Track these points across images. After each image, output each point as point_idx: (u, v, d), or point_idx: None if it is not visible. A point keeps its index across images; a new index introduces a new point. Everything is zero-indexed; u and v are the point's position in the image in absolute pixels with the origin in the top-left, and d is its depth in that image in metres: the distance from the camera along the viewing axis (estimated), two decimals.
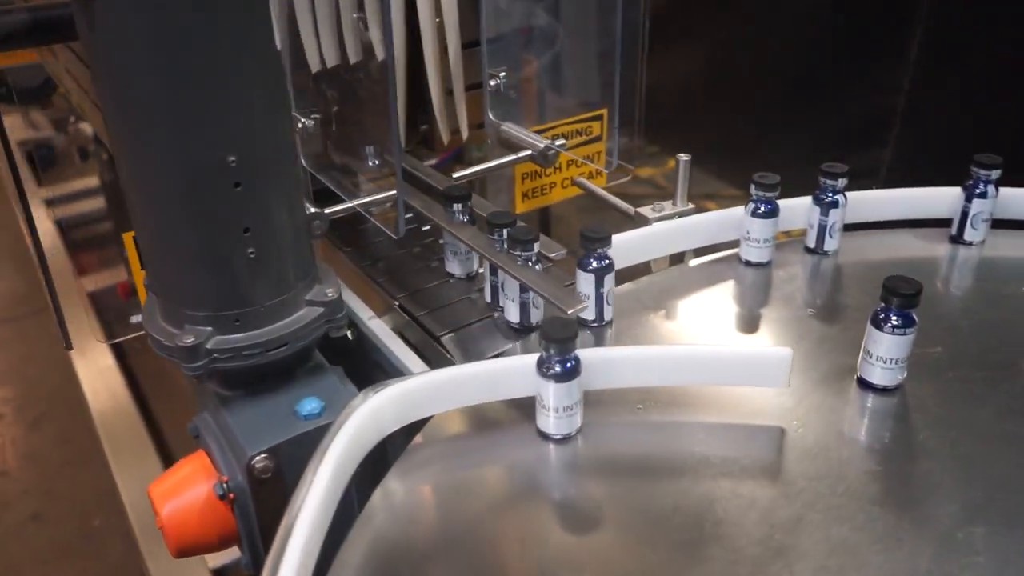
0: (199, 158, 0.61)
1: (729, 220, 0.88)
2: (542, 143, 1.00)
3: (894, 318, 0.65)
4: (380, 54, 1.03)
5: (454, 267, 0.89)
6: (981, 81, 2.02)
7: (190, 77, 0.59)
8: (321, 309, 0.72)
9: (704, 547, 0.54)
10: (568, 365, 0.61)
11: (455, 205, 0.84)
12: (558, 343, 0.59)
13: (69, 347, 0.84)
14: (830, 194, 0.87)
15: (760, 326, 0.78)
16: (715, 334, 0.78)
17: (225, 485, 0.69)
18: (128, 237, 0.87)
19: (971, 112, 2.08)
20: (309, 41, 0.96)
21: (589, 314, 0.76)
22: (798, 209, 0.89)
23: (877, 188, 2.73)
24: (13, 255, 2.94)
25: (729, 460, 0.61)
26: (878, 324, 0.66)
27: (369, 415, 0.62)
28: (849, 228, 0.90)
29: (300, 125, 0.88)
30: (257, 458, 0.67)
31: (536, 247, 0.75)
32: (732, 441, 0.64)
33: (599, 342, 0.76)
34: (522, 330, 0.79)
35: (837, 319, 0.77)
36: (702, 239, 0.90)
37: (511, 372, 0.65)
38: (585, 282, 0.75)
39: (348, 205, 0.83)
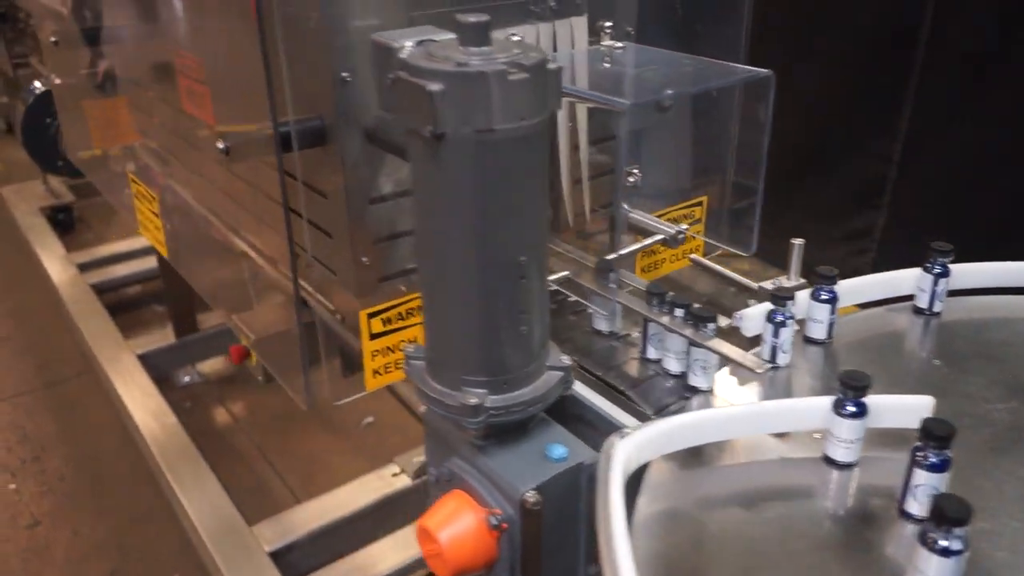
0: (501, 259, 0.79)
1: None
2: (672, 229, 1.20)
3: None
4: None
5: (601, 324, 1.08)
6: (965, 153, 2.30)
7: (502, 205, 0.77)
8: (561, 373, 0.89)
9: None
10: (860, 407, 0.80)
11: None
12: (854, 390, 0.78)
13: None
14: None
15: None
16: None
17: (497, 517, 0.85)
18: (363, 314, 1.03)
19: (956, 181, 2.35)
20: None
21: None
22: None
23: (873, 248, 2.99)
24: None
25: None
26: None
27: (633, 449, 0.81)
28: None
29: None
30: (529, 494, 0.84)
31: (712, 326, 0.94)
32: None
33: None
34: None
35: None
36: None
37: (747, 415, 0.84)
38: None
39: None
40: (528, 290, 0.83)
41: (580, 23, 1.20)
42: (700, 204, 1.36)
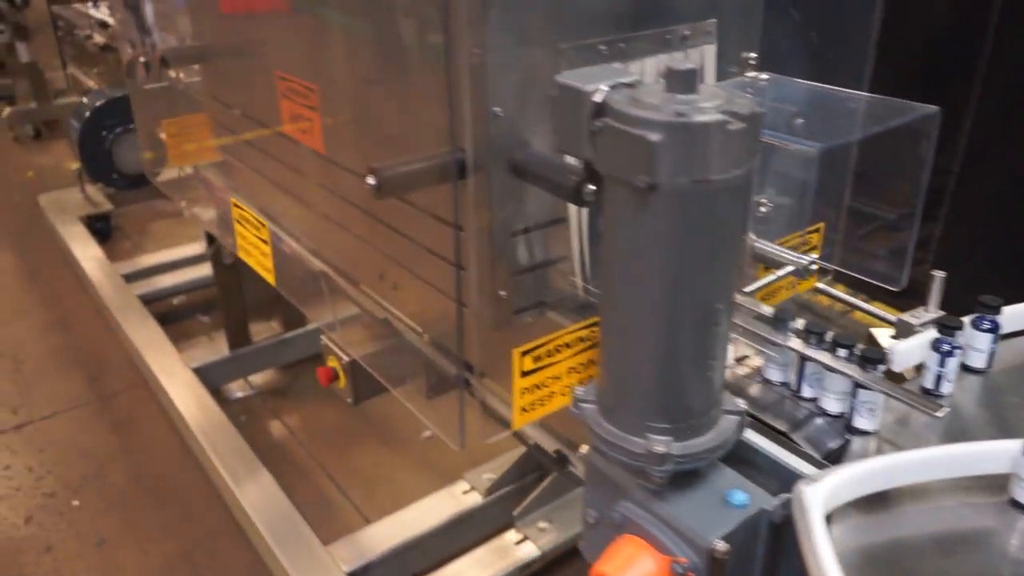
0: (698, 306, 0.78)
1: None
2: (804, 259, 1.18)
3: None
4: None
5: (774, 374, 1.06)
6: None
7: (707, 253, 0.76)
8: (738, 417, 0.88)
9: None
10: None
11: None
12: None
13: None
14: None
15: None
16: None
17: (683, 566, 0.84)
18: (516, 352, 1.01)
19: (1016, 193, 2.34)
20: None
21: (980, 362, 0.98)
22: None
23: (929, 260, 3.01)
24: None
25: None
26: None
27: (827, 495, 0.80)
28: None
29: None
30: (718, 543, 0.83)
31: (882, 367, 0.93)
32: None
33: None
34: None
35: None
36: None
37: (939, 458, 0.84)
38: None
39: None
40: (718, 336, 0.81)
41: (710, 51, 1.18)
42: (817, 231, 1.35)
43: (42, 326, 3.19)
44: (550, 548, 2.00)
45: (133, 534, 2.25)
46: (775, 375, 1.03)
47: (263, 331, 2.92)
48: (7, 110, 4.89)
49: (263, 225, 1.37)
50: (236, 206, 1.44)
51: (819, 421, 0.98)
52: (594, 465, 0.95)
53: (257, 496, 2.15)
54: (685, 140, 0.70)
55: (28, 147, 4.89)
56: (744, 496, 0.87)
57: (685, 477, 0.89)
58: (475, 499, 2.14)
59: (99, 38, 2.97)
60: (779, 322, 0.97)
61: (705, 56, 1.18)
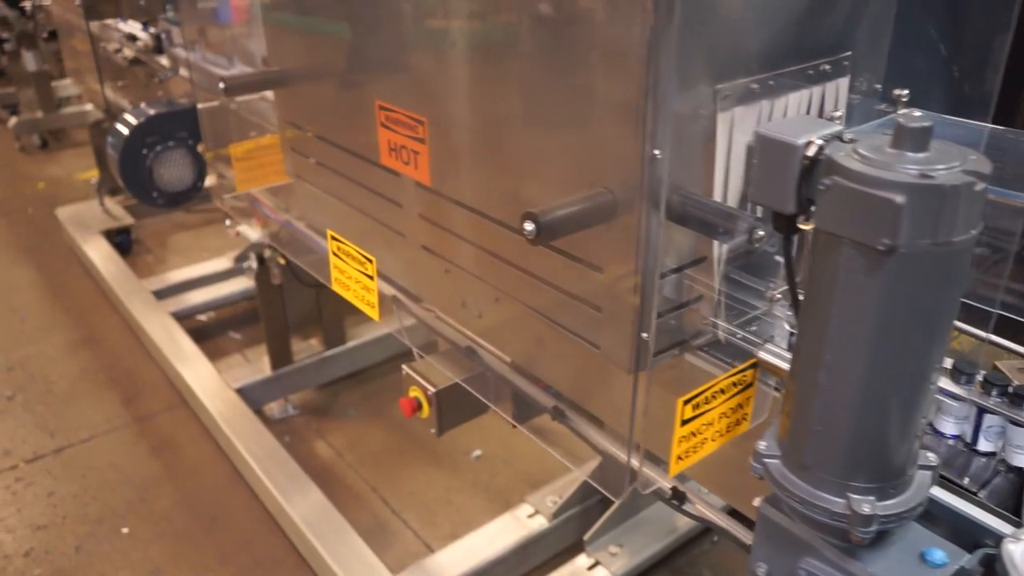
0: (920, 368, 0.76)
1: None
2: None
3: None
4: None
5: (947, 427, 1.04)
6: None
7: (936, 314, 0.74)
8: (930, 473, 0.86)
9: None
10: None
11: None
12: None
13: None
14: None
15: None
16: None
17: None
18: (680, 402, 0.99)
19: None
20: None
21: None
22: None
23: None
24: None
25: None
26: None
27: None
28: None
29: None
30: None
31: None
32: None
33: None
34: None
35: None
36: None
37: None
38: None
39: None
40: (929, 393, 0.79)
41: (844, 84, 1.17)
42: None
43: (70, 344, 3.13)
44: (623, 572, 1.98)
45: (188, 562, 2.21)
46: (949, 428, 1.01)
47: (303, 350, 2.88)
48: (13, 120, 4.80)
49: (369, 260, 1.34)
50: (334, 239, 1.41)
51: (997, 475, 0.96)
52: (769, 519, 0.92)
53: (317, 522, 2.11)
54: (934, 202, 0.68)
55: (35, 157, 4.80)
56: (943, 554, 0.84)
57: (877, 534, 0.87)
58: (541, 523, 2.11)
59: (128, 51, 2.91)
60: (959, 374, 0.95)
61: (840, 89, 1.17)
